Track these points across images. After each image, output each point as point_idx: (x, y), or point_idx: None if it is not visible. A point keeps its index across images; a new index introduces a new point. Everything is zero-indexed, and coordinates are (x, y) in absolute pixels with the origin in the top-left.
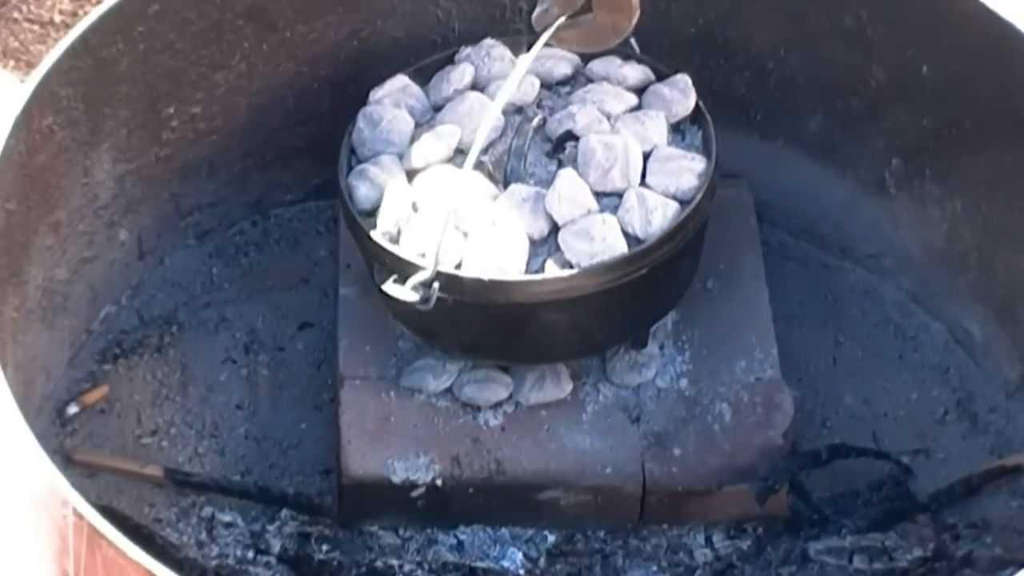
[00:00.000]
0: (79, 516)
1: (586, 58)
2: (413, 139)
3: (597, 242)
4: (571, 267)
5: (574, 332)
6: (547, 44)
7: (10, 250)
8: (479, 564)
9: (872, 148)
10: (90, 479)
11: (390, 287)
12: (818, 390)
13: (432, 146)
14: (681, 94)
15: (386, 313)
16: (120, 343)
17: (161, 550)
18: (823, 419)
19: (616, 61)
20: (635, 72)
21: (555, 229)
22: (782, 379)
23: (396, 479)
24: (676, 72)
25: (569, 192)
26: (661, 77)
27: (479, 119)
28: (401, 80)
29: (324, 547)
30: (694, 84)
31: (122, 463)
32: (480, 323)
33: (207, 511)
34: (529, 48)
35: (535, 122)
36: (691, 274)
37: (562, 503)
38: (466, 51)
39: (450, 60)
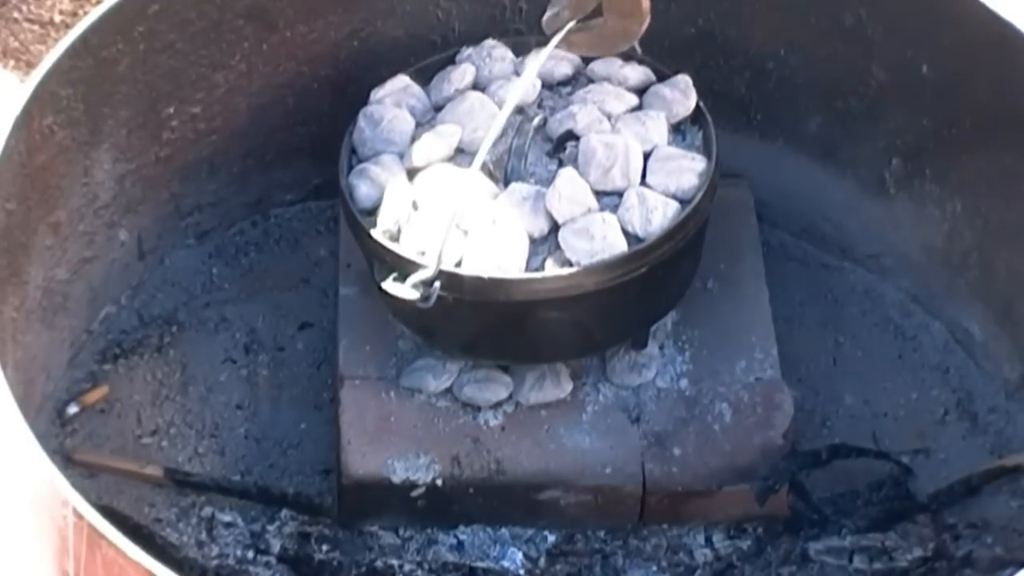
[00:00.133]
0: (79, 516)
1: (587, 59)
2: (414, 138)
3: (597, 241)
4: (571, 265)
5: (574, 331)
6: (556, 48)
7: (10, 250)
8: (479, 564)
9: (872, 148)
10: (90, 479)
11: (390, 285)
12: (818, 390)
13: (433, 145)
14: (682, 94)
15: (386, 313)
16: (120, 343)
17: (161, 550)
18: (823, 419)
19: (617, 62)
20: (636, 73)
21: (555, 228)
22: (782, 379)
23: (396, 479)
24: (676, 73)
25: (569, 191)
26: (661, 78)
27: (479, 118)
28: (402, 80)
29: (324, 547)
30: (694, 84)
31: (122, 463)
32: (480, 322)
33: (207, 511)
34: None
35: (536, 122)
36: (691, 274)
37: (562, 503)
38: (467, 51)
39: (451, 60)
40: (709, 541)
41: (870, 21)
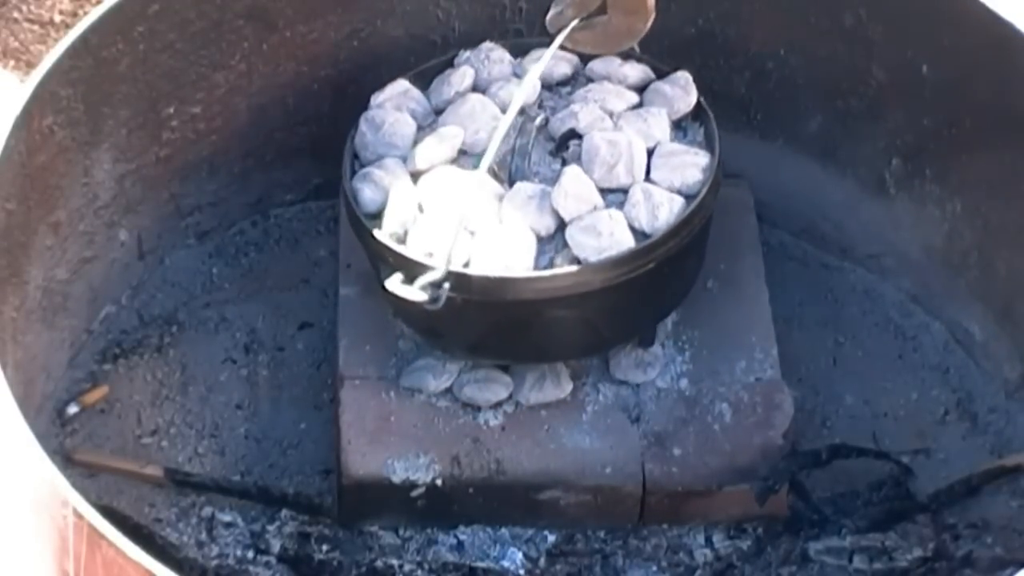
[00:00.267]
0: (79, 516)
1: (585, 58)
2: (415, 142)
3: (605, 237)
4: (579, 263)
5: (582, 329)
6: (561, 46)
7: (10, 250)
8: (479, 564)
9: (872, 148)
10: (90, 479)
11: (398, 288)
12: (818, 390)
13: (435, 148)
14: (682, 91)
15: (386, 313)
16: (120, 343)
17: (161, 550)
18: (823, 419)
19: (616, 61)
20: (635, 71)
21: (562, 226)
22: (782, 379)
23: (396, 479)
24: (676, 70)
25: (575, 188)
26: (660, 75)
27: (481, 120)
28: (402, 84)
29: (324, 547)
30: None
31: (122, 463)
32: (488, 322)
33: (207, 511)
34: (541, 46)
35: (538, 121)
36: (697, 270)
37: (562, 503)
38: (465, 54)
39: (449, 64)
40: (709, 541)
41: (870, 21)
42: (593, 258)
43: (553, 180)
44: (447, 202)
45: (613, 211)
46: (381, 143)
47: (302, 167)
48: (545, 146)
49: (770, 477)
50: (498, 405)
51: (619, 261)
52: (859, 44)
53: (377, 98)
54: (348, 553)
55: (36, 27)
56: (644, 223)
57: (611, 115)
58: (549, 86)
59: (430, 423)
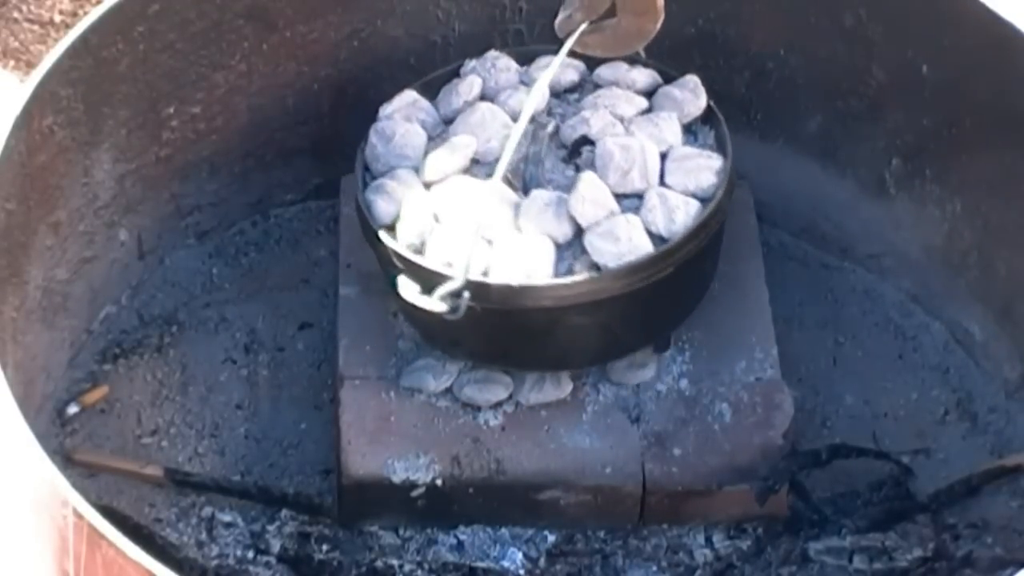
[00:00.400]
0: (79, 516)
1: (592, 65)
2: (426, 152)
3: (623, 242)
4: (598, 269)
5: (600, 336)
6: (568, 52)
7: (10, 250)
8: (479, 564)
9: (872, 148)
10: (90, 479)
11: (417, 298)
12: (818, 390)
13: (448, 158)
14: (692, 95)
15: (386, 313)
16: (120, 343)
17: (161, 550)
18: (823, 419)
19: (623, 66)
20: (643, 76)
21: (579, 232)
22: (782, 379)
23: (396, 479)
24: (684, 75)
25: (592, 194)
26: (667, 79)
27: (492, 128)
28: (410, 95)
29: (324, 547)
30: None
31: (122, 463)
32: (507, 330)
33: (207, 511)
34: (548, 52)
35: (549, 128)
36: (711, 275)
37: (562, 503)
38: (471, 63)
39: (455, 73)
40: (709, 541)
41: (870, 21)
42: (612, 264)
43: (567, 187)
44: (463, 211)
45: (630, 216)
46: (392, 154)
47: (302, 167)
48: (557, 153)
49: (770, 477)
50: (498, 405)
51: (640, 266)
52: (859, 44)
53: (386, 109)
54: (348, 553)
55: (36, 27)
56: (661, 227)
57: (622, 120)
58: (557, 93)
59: (430, 423)
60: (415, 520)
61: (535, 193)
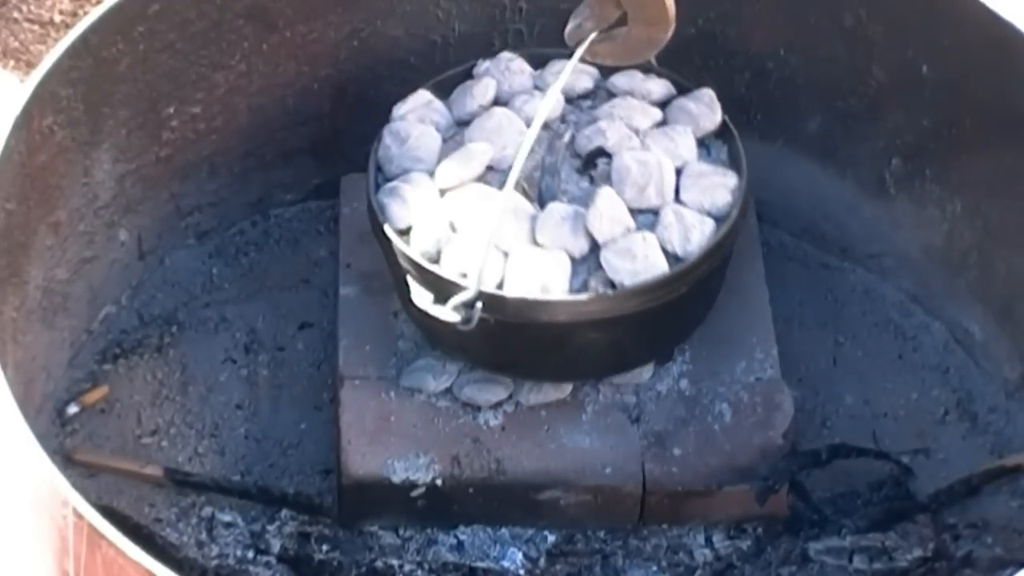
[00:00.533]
0: (79, 516)
1: (606, 72)
2: (441, 156)
3: (639, 260)
4: (613, 286)
5: (609, 350)
6: (581, 59)
7: (10, 250)
8: (479, 564)
9: (872, 148)
10: (90, 479)
11: (430, 307)
12: (818, 390)
13: (463, 165)
14: (707, 109)
15: (386, 313)
16: (120, 343)
17: (161, 550)
18: (823, 419)
19: (638, 75)
20: (658, 86)
21: (595, 247)
22: (782, 379)
23: (396, 479)
24: (699, 87)
25: (610, 210)
26: (681, 90)
27: (508, 135)
28: (424, 95)
29: (324, 547)
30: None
31: (122, 463)
32: (518, 342)
33: (207, 511)
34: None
35: (566, 138)
36: (719, 289)
37: (562, 503)
38: (484, 64)
39: (468, 74)
40: (709, 541)
41: (870, 21)
42: (628, 281)
43: (582, 199)
44: (478, 221)
45: (647, 234)
46: (406, 156)
47: (302, 167)
48: (572, 163)
49: (770, 477)
50: (498, 405)
51: (654, 286)
52: (859, 44)
53: (399, 109)
54: (348, 553)
55: (36, 27)
56: (677, 246)
57: (637, 133)
58: (571, 100)
59: (430, 423)
60: (415, 520)
61: (552, 206)
